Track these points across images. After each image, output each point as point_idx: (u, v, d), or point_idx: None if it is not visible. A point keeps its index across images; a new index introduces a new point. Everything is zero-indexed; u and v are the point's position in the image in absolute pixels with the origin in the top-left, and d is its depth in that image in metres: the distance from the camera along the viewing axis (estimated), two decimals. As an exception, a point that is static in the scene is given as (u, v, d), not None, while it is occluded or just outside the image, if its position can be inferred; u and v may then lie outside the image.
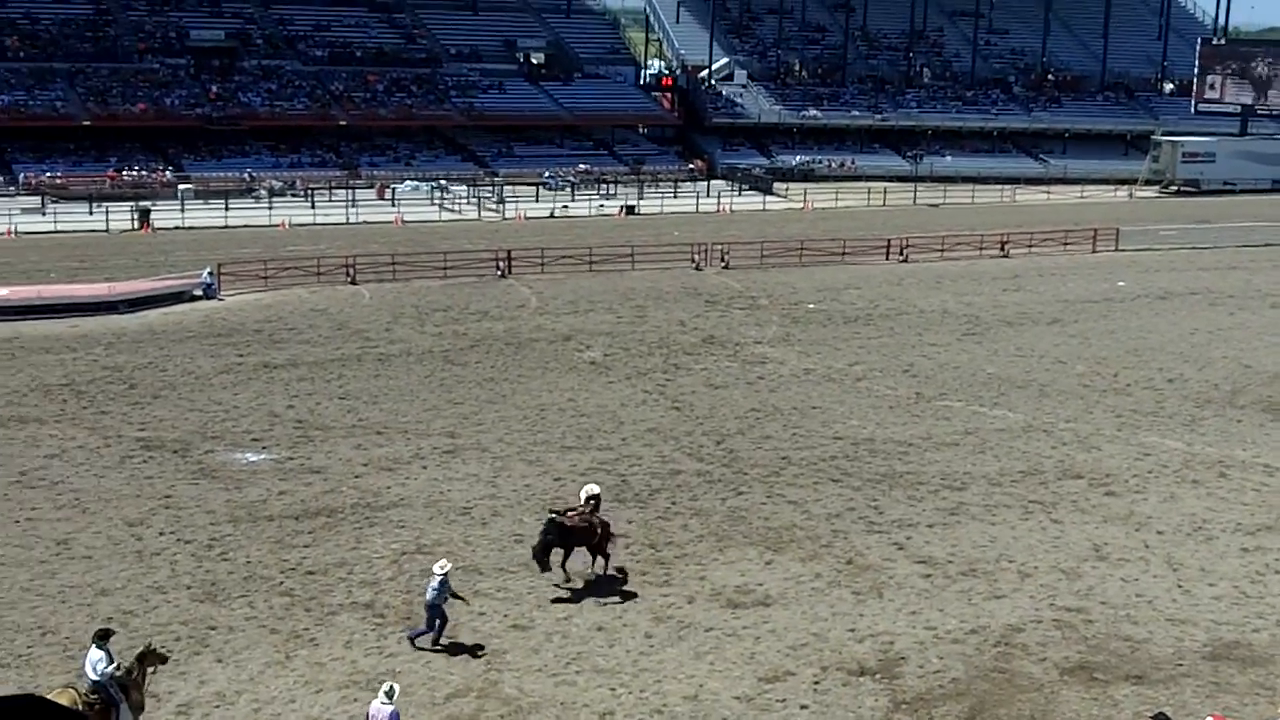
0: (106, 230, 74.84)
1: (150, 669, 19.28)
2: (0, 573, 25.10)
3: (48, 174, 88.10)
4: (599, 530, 25.35)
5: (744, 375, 42.88)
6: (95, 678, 18.42)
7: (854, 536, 28.21)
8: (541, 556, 24.77)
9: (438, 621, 22.26)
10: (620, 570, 25.71)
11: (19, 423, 35.57)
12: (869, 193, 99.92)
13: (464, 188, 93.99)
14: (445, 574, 22.25)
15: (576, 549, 25.36)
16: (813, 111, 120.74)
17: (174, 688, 20.71)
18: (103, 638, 18.88)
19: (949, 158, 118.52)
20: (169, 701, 20.26)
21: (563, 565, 25.25)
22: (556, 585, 25.02)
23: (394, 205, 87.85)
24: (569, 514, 25.33)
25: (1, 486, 30.20)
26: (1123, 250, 74.87)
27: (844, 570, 26.34)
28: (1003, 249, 72.44)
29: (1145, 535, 28.82)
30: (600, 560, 25.62)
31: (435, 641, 22.24)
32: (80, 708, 17.85)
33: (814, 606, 24.52)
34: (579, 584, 25.14)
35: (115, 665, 18.60)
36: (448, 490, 30.66)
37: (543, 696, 20.62)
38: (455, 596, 22.60)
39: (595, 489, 26.36)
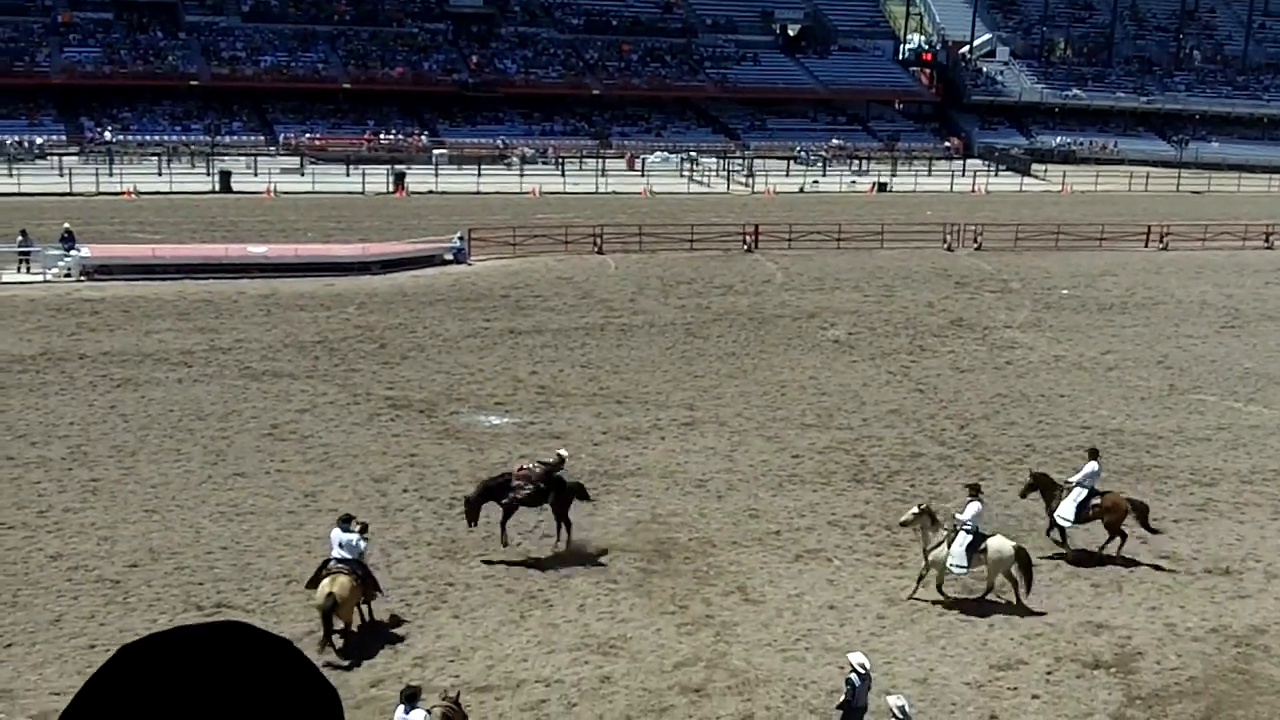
0: (362, 192, 77.08)
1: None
2: (251, 522, 26.03)
3: (307, 135, 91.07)
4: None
5: (991, 360, 41.91)
6: (349, 555, 20.93)
7: (1096, 528, 27.22)
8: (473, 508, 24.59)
9: None
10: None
11: (273, 377, 36.86)
12: (1130, 177, 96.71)
13: (714, 160, 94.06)
14: (867, 672, 18.22)
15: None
16: (1076, 92, 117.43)
17: (411, 640, 21.18)
18: (346, 521, 21.50)
19: (1216, 144, 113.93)
20: (406, 654, 20.72)
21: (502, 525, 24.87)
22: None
23: (643, 176, 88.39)
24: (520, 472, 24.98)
25: (254, 438, 31.32)
26: (1398, 244, 70.95)
27: (1084, 561, 25.53)
28: (1267, 240, 69.45)
29: None
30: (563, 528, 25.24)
31: None
32: (353, 583, 20.61)
33: (1051, 597, 23.82)
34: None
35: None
36: (684, 462, 30.66)
37: (771, 671, 20.45)
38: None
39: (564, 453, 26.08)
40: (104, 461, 29.26)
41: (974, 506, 23.30)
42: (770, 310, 48.23)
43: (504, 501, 24.77)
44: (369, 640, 21.11)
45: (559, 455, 25.78)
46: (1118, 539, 25.74)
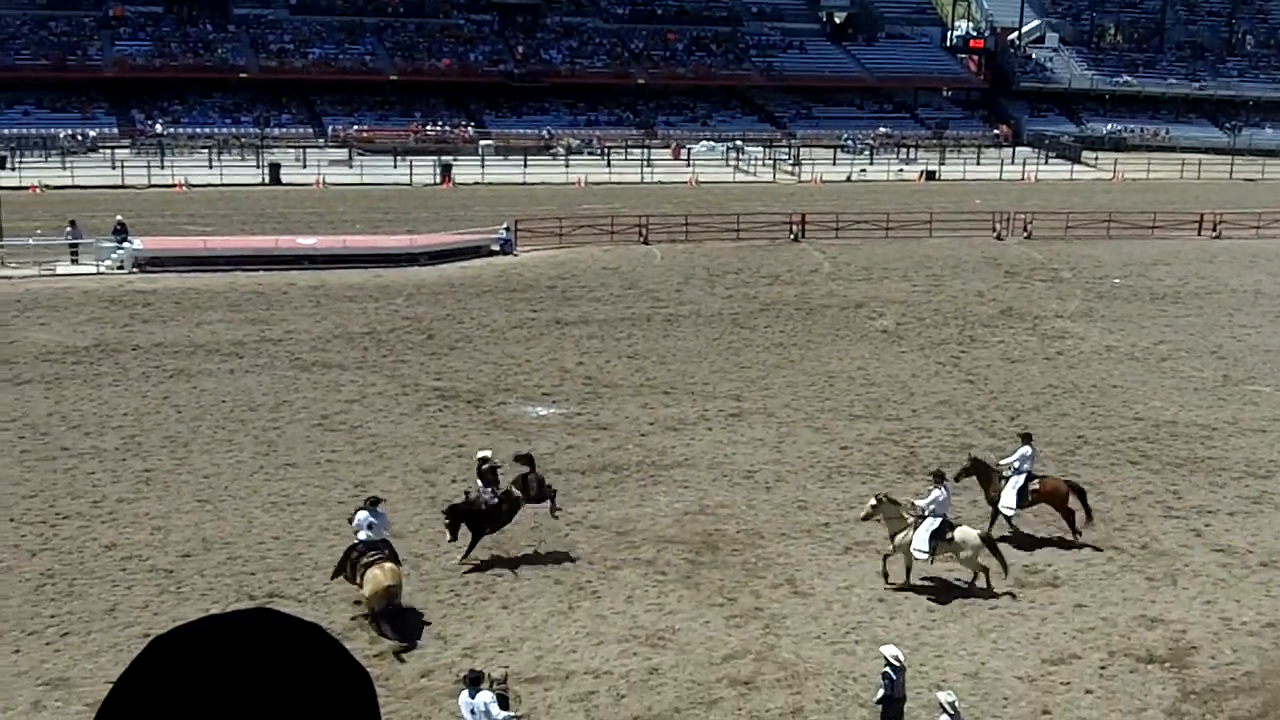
0: (410, 184, 77.31)
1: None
2: (302, 511, 26.19)
3: (355, 127, 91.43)
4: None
5: (1042, 350, 41.63)
6: (375, 536, 21.44)
7: (1150, 521, 27.09)
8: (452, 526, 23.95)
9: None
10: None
11: (323, 368, 37.07)
12: (1183, 165, 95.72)
13: (760, 149, 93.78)
14: (902, 664, 18.25)
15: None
16: (1126, 78, 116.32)
17: (461, 630, 21.26)
18: (374, 503, 21.87)
19: (1270, 130, 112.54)
20: (456, 644, 20.79)
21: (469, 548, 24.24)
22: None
23: (688, 165, 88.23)
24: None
25: (305, 429, 31.50)
26: None
27: (1138, 555, 25.33)
28: (1324, 228, 68.61)
29: None
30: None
31: None
32: (397, 565, 21.14)
33: (1104, 590, 23.65)
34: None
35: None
36: (732, 453, 30.62)
37: (820, 664, 20.41)
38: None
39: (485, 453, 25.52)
40: (157, 452, 29.51)
41: (936, 493, 23.39)
42: (817, 300, 48.08)
43: (485, 528, 24.35)
44: (419, 631, 21.21)
45: (485, 458, 25.14)
46: (1079, 518, 25.78)
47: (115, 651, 19.93)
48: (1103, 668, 20.61)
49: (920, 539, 23.01)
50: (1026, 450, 25.99)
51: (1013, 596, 23.20)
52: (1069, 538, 25.75)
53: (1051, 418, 34.25)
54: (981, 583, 23.34)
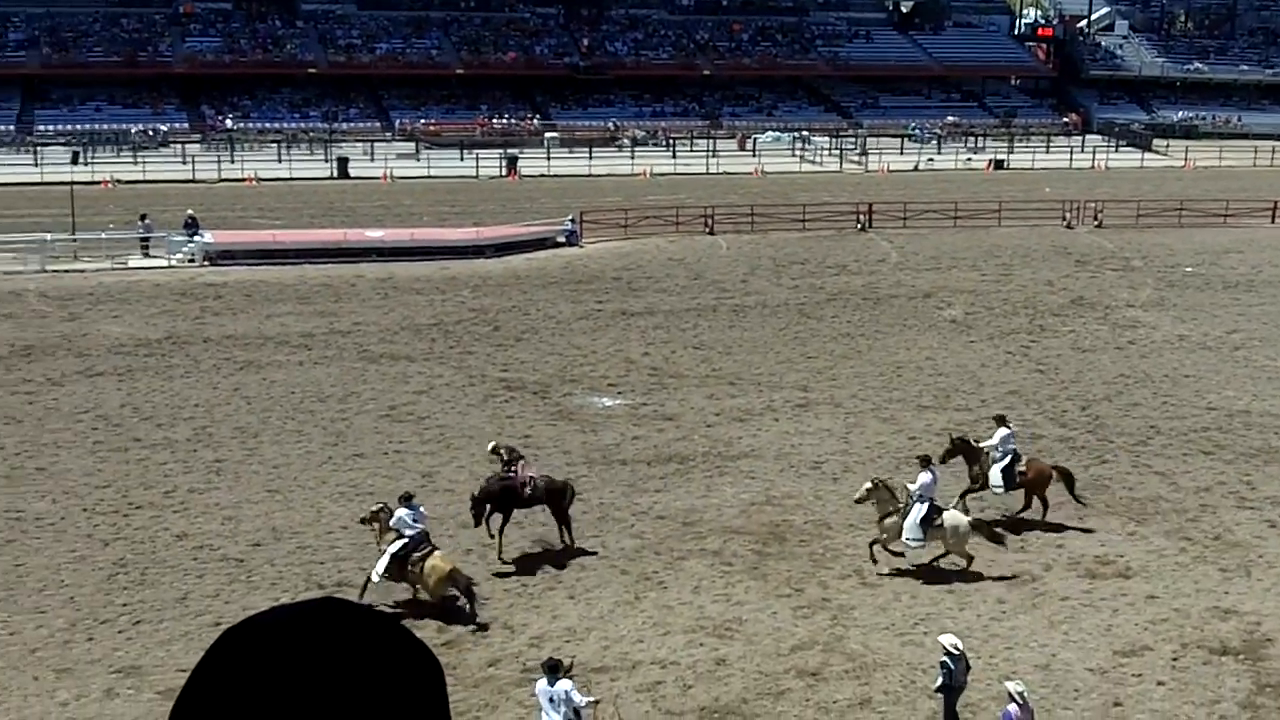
0: (476, 176, 77.52)
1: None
2: (370, 501, 26.11)
3: (422, 121, 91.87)
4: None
5: (1114, 339, 41.18)
6: (421, 528, 21.65)
7: (1223, 512, 26.73)
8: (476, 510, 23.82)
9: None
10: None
11: (390, 359, 37.26)
12: (1255, 152, 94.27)
13: (826, 139, 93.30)
14: (960, 653, 18.16)
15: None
16: (1197, 65, 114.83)
17: (527, 620, 21.31)
18: (408, 499, 22.13)
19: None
20: (523, 633, 20.84)
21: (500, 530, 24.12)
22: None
23: (754, 156, 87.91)
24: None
25: (373, 420, 31.69)
26: None
27: (1211, 546, 24.98)
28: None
29: None
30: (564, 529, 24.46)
31: None
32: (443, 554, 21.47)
33: (1177, 581, 23.34)
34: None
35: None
36: (799, 444, 30.49)
37: (888, 655, 20.28)
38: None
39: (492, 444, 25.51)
40: (228, 443, 29.79)
41: (925, 477, 23.42)
42: (885, 290, 47.79)
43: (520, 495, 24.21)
44: (486, 621, 21.26)
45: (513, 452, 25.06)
46: (1040, 506, 25.85)
47: (186, 640, 20.14)
48: (1175, 659, 20.33)
49: (911, 527, 23.06)
50: (1005, 432, 26.24)
51: (1013, 577, 23.14)
52: (1026, 516, 25.84)
53: (1123, 407, 33.89)
54: (967, 564, 23.33)
